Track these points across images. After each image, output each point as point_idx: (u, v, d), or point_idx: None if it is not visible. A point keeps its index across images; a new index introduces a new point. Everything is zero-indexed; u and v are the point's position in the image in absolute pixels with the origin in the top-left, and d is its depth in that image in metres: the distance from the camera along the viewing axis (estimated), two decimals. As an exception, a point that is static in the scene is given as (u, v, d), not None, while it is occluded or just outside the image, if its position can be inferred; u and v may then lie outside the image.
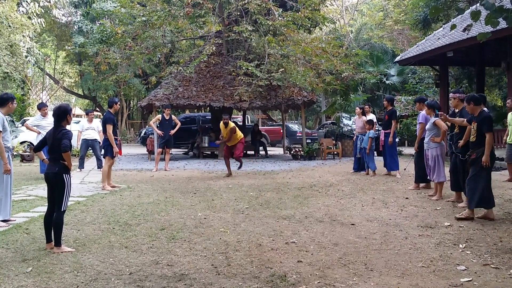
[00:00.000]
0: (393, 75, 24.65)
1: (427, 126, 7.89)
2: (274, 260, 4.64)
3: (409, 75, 25.23)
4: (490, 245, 5.06)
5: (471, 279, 4.08)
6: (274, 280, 4.09)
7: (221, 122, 11.48)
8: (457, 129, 7.10)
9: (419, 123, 8.64)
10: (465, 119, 6.80)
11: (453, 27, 4.67)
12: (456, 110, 7.42)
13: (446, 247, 5.02)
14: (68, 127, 5.21)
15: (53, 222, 5.01)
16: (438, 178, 7.66)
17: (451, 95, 7.53)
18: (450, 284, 3.98)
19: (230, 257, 4.73)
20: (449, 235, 5.50)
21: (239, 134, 11.45)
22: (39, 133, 10.40)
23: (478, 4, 4.35)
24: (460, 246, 5.05)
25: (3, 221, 6.08)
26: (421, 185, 8.71)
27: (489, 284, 3.96)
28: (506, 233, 5.53)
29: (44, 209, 7.11)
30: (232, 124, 11.30)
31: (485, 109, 6.47)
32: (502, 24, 5.58)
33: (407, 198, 7.83)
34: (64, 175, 5.02)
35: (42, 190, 9.08)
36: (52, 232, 5.01)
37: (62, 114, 5.12)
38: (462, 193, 7.14)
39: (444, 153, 7.74)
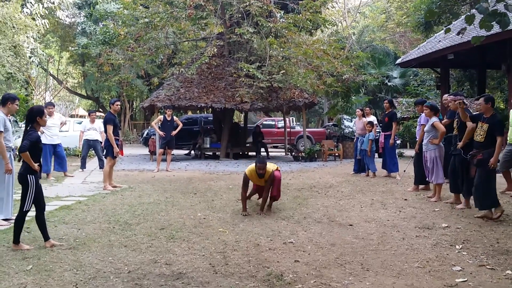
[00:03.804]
0: (395, 77, 24.73)
1: (426, 128, 7.93)
2: (272, 259, 4.70)
3: (411, 77, 25.25)
4: (486, 246, 5.09)
5: (466, 279, 4.12)
6: (270, 279, 4.14)
7: (253, 173, 7.11)
8: (456, 131, 7.13)
9: (420, 125, 8.69)
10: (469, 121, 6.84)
11: (447, 30, 4.73)
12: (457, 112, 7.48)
13: (442, 248, 5.06)
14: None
15: (15, 220, 5.12)
16: (436, 180, 7.70)
17: (450, 97, 7.56)
18: (445, 284, 4.02)
19: (228, 256, 4.79)
20: (446, 236, 5.54)
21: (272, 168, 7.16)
22: (43, 132, 10.47)
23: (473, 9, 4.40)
24: (457, 247, 5.09)
25: (5, 220, 6.14)
26: (420, 186, 8.74)
27: (484, 285, 4.01)
28: (503, 234, 5.56)
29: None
30: (270, 171, 7.02)
31: None
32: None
33: (406, 199, 7.87)
34: (28, 175, 5.07)
35: (43, 189, 9.13)
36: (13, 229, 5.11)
37: (30, 116, 5.20)
38: (461, 194, 7.19)
39: (442, 154, 7.76)
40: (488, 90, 20.69)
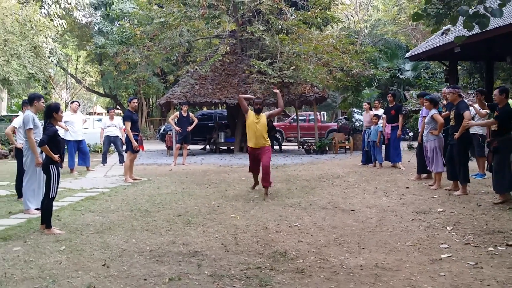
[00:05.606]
0: (408, 70, 25.02)
1: (426, 120, 8.36)
2: (277, 240, 5.22)
3: (423, 70, 25.47)
4: (475, 228, 5.54)
5: (451, 255, 4.59)
6: (275, 256, 4.66)
7: (250, 111, 8.20)
8: (453, 121, 7.57)
9: (422, 117, 9.11)
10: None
11: (434, 30, 5.17)
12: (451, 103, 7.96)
13: (434, 229, 5.53)
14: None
15: (43, 207, 5.68)
16: (436, 169, 8.14)
17: (449, 90, 7.98)
18: (431, 259, 4.50)
19: (239, 238, 5.32)
20: (439, 219, 6.00)
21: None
22: (67, 129, 11.11)
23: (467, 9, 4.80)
24: (448, 228, 5.55)
25: (37, 209, 6.75)
26: (423, 175, 9.18)
27: (466, 259, 4.47)
28: (493, 217, 5.99)
29: (71, 199, 7.85)
30: (265, 115, 8.14)
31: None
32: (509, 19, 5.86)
33: (407, 187, 8.32)
34: (50, 165, 5.64)
35: (69, 183, 9.81)
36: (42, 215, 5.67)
37: (48, 112, 5.79)
38: (458, 181, 7.62)
39: (442, 145, 8.19)
40: (500, 81, 20.87)
